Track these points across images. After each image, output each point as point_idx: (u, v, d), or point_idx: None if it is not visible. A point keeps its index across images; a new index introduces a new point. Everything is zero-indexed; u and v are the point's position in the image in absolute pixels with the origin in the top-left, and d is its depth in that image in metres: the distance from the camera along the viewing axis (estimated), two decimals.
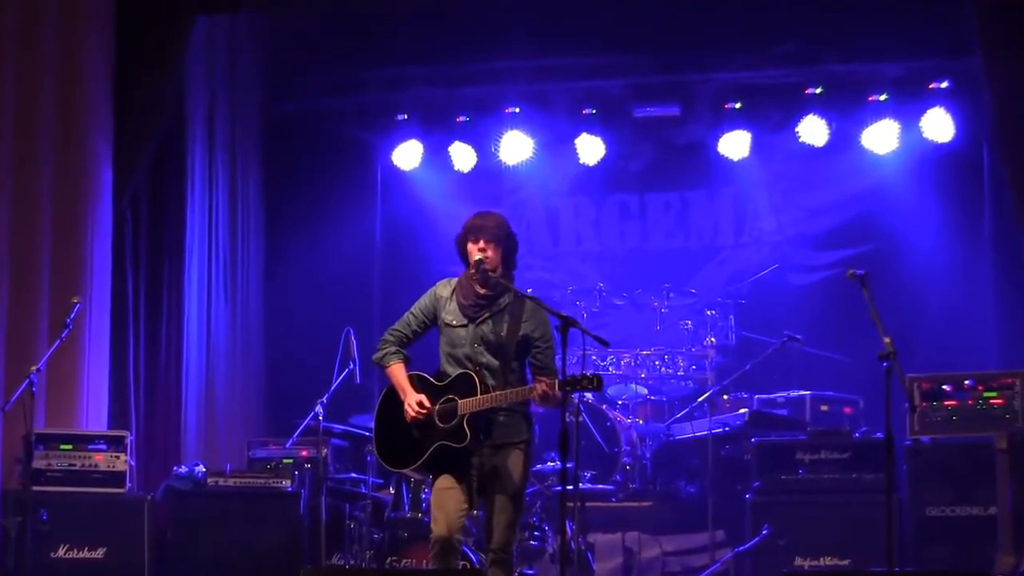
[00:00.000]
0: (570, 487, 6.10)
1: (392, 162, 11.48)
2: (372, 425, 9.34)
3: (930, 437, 8.36)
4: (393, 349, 6.25)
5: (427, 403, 6.03)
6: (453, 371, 6.06)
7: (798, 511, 8.49)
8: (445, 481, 6.00)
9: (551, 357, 6.04)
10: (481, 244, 6.04)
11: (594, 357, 10.36)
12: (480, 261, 6.01)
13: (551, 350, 6.05)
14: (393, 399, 6.18)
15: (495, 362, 6.00)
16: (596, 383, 5.67)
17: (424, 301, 6.26)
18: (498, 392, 5.87)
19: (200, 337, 10.10)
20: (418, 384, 6.13)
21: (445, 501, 5.98)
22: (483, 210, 6.19)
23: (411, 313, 6.28)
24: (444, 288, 6.24)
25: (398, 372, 6.19)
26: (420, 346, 6.38)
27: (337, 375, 8.70)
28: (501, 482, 6.00)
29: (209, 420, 10.13)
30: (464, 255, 6.14)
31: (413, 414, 6.01)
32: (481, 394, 5.89)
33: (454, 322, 6.10)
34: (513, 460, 6.01)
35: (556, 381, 5.76)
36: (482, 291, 6.07)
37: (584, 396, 9.74)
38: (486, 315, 6.06)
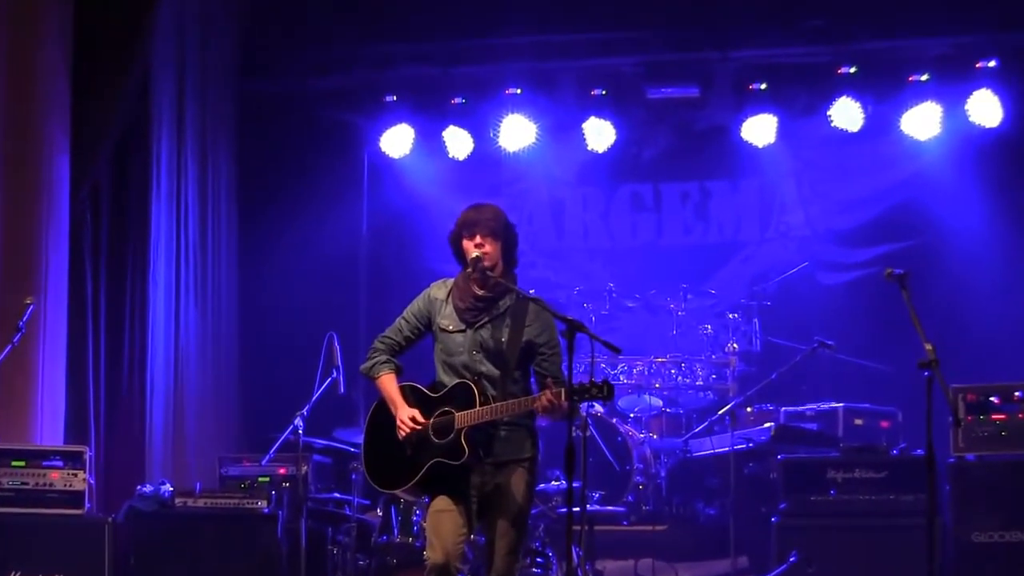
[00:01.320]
0: (577, 509, 6.11)
1: (380, 149, 11.51)
2: (357, 440, 9.39)
3: (976, 454, 8.38)
4: (383, 358, 6.24)
5: (420, 418, 6.04)
6: (450, 381, 6.07)
7: (829, 536, 8.50)
8: (442, 503, 6.01)
9: (558, 365, 6.02)
10: (477, 239, 6.04)
11: (603, 365, 10.39)
12: (478, 259, 6.01)
13: (558, 356, 6.04)
14: (383, 413, 6.17)
15: (495, 371, 6.00)
16: (606, 391, 5.68)
17: (417, 305, 6.25)
18: (498, 404, 5.89)
19: (167, 342, 10.12)
20: (411, 396, 6.13)
21: (441, 525, 5.99)
22: (477, 202, 6.19)
23: (403, 318, 6.28)
24: (439, 290, 6.23)
25: (389, 383, 6.19)
26: (413, 355, 6.40)
27: (319, 384, 8.72)
28: (503, 504, 6.00)
29: (177, 434, 10.15)
30: (459, 254, 6.14)
31: (406, 431, 6.02)
32: (480, 406, 5.90)
33: (450, 327, 6.10)
34: (516, 480, 6.01)
35: (562, 390, 5.77)
36: (480, 292, 6.07)
37: (593, 408, 9.77)
38: (485, 319, 6.06)
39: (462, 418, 5.93)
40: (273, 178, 11.51)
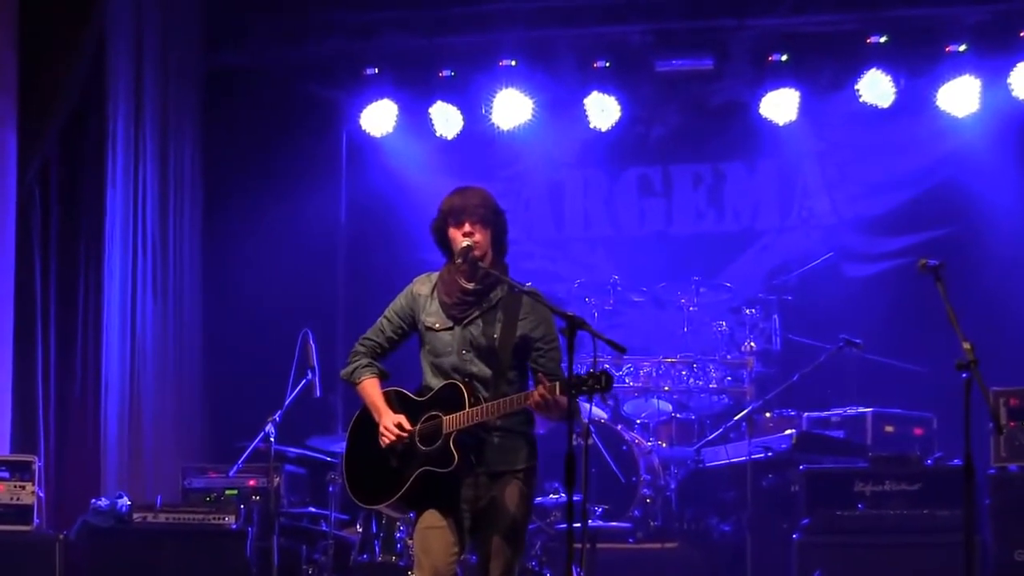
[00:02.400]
0: (577, 525, 6.07)
1: (360, 127, 11.49)
2: (335, 448, 9.41)
3: (1019, 465, 8.37)
4: (365, 362, 6.22)
5: (407, 424, 6.03)
6: (438, 384, 6.06)
7: (857, 555, 8.50)
8: (431, 518, 5.98)
9: (557, 361, 5.98)
10: (467, 227, 6.01)
11: (607, 366, 10.33)
12: (468, 248, 5.99)
13: (556, 352, 6.00)
14: (367, 422, 6.15)
15: (487, 371, 5.98)
16: (604, 382, 5.64)
17: (399, 302, 6.24)
18: (488, 404, 5.87)
19: (124, 341, 10.08)
20: (396, 402, 6.11)
21: (431, 542, 5.96)
22: (461, 186, 6.18)
23: (385, 317, 6.27)
24: (423, 284, 6.22)
25: (371, 389, 6.17)
26: (398, 358, 6.39)
27: (292, 387, 8.71)
28: (497, 519, 5.97)
29: (134, 442, 10.12)
30: (445, 244, 6.12)
31: (391, 438, 6.01)
32: (470, 408, 5.90)
33: (437, 325, 6.09)
34: (511, 492, 5.99)
35: (556, 383, 5.76)
36: (469, 285, 6.05)
37: (595, 415, 9.75)
38: (474, 314, 6.04)
39: (450, 421, 5.92)
40: (241, 160, 11.47)
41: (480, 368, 6.01)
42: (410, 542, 8.03)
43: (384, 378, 6.23)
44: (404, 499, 6.02)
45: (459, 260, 6.04)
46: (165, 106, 10.75)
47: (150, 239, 10.49)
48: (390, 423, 6.03)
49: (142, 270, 10.35)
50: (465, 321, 6.06)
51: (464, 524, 6.01)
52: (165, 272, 10.67)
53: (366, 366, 6.23)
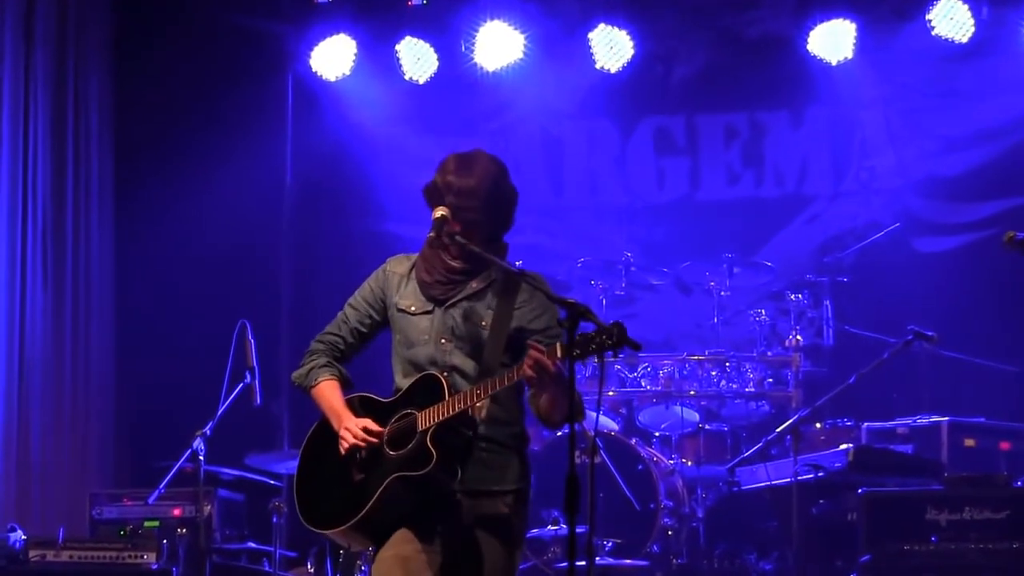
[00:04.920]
0: (582, 563, 6.10)
1: (310, 68, 11.51)
2: (279, 468, 9.44)
3: None
4: (323, 361, 6.19)
5: (374, 426, 6.03)
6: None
7: None
8: (400, 542, 5.97)
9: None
10: (458, 227, 6.01)
11: (617, 366, 10.40)
12: (443, 220, 5.99)
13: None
14: (325, 436, 6.13)
15: (471, 364, 5.97)
16: (616, 335, 5.56)
17: (368, 286, 6.22)
18: (469, 389, 5.84)
19: (8, 342, 10.08)
20: (360, 408, 6.12)
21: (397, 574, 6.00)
22: (467, 156, 6.14)
23: (349, 305, 6.24)
24: (399, 263, 6.20)
25: (329, 392, 6.13)
26: (365, 360, 6.37)
27: (227, 394, 8.70)
28: (479, 552, 5.92)
29: (23, 464, 10.13)
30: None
31: (352, 441, 6.01)
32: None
33: (412, 308, 6.07)
34: (497, 520, 5.98)
35: (556, 344, 5.62)
36: (455, 263, 6.07)
37: (603, 426, 9.77)
38: (458, 296, 6.04)
39: (425, 416, 5.91)
40: (161, 112, 11.45)
41: (463, 360, 5.99)
42: None
43: (347, 384, 6.22)
44: (370, 520, 5.99)
45: (432, 234, 6.05)
46: (63, 47, 10.71)
47: (41, 214, 10.46)
48: (352, 424, 6.03)
49: (31, 254, 10.32)
50: (447, 303, 6.07)
51: (437, 557, 6.00)
52: (62, 256, 10.66)
53: (324, 366, 6.21)
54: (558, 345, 5.62)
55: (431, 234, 6.05)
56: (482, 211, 6.03)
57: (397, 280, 6.16)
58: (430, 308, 6.06)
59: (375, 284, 6.21)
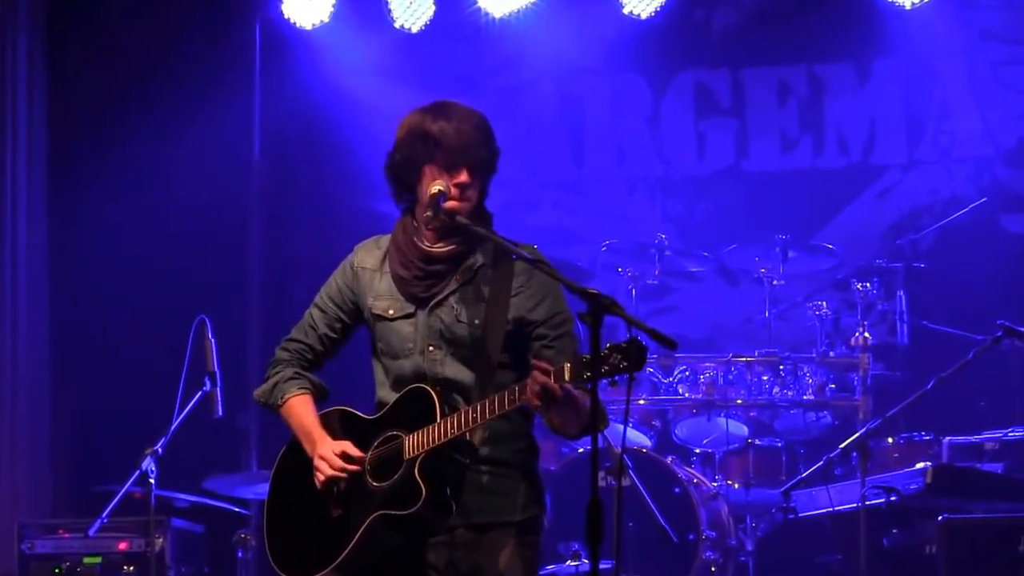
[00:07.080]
0: None
1: (282, 14, 11.59)
2: (246, 494, 9.49)
3: None
4: (290, 373, 6.20)
5: (354, 451, 6.05)
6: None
7: None
8: None
9: (572, 353, 5.77)
10: (463, 177, 5.98)
11: (649, 369, 10.43)
12: (441, 195, 5.95)
13: (569, 339, 5.94)
14: (297, 459, 6.17)
15: (467, 373, 5.95)
16: (634, 354, 5.52)
17: (334, 282, 6.19)
18: (466, 410, 5.84)
19: None
20: (340, 426, 6.12)
21: None
22: (444, 103, 6.13)
23: (315, 306, 6.22)
24: (368, 254, 6.16)
25: (301, 409, 6.13)
26: (344, 365, 6.41)
27: (182, 404, 8.72)
28: None
29: None
30: (406, 186, 6.10)
31: (329, 472, 6.03)
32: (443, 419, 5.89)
33: (391, 312, 6.05)
34: (505, 557, 5.96)
35: (565, 364, 5.56)
36: (434, 248, 6.03)
37: (632, 441, 9.82)
38: (443, 292, 6.04)
39: (414, 441, 5.92)
40: (104, 70, 11.48)
41: (456, 369, 6.00)
42: None
43: (321, 395, 6.24)
44: (348, 566, 6.05)
45: (428, 213, 6.04)
46: None
47: None
48: (328, 451, 6.05)
49: None
50: (431, 302, 6.06)
51: None
52: None
53: (292, 379, 6.20)
54: (565, 367, 5.53)
55: (426, 212, 6.03)
56: (489, 158, 6.03)
57: (368, 276, 6.15)
58: (411, 310, 6.04)
59: (342, 282, 6.20)
